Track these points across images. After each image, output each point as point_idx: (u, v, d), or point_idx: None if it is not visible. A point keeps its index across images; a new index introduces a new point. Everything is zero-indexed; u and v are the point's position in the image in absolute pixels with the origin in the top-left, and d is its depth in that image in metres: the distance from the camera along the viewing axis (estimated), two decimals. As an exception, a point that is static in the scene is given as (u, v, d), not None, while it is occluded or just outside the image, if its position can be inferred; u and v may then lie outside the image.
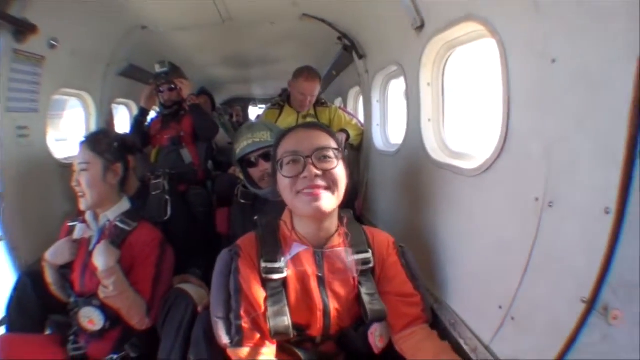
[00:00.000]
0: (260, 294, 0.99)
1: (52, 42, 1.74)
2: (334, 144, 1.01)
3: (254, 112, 7.53)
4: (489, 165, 0.98)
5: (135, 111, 3.25)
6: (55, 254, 1.34)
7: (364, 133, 2.45)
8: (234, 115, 5.40)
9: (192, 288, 1.36)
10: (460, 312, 1.13)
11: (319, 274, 1.01)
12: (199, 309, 1.26)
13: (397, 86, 2.33)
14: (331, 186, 0.96)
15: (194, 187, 2.16)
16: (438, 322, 1.14)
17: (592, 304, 0.70)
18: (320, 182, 0.94)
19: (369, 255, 1.05)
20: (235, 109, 5.96)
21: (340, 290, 1.03)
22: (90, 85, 2.36)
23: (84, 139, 1.41)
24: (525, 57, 0.85)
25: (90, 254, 1.31)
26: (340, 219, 1.07)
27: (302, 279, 1.01)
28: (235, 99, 6.55)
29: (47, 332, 1.48)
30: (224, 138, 3.25)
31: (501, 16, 0.92)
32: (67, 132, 2.70)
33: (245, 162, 1.51)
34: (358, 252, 1.04)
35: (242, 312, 0.97)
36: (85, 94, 2.35)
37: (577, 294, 0.71)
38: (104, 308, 1.27)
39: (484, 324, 1.00)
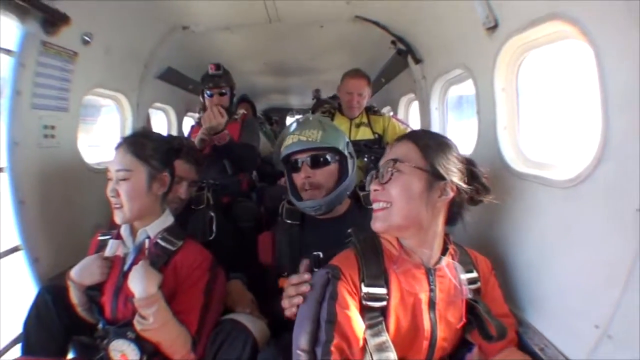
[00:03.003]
0: (359, 326, 0.86)
1: (85, 37, 1.62)
2: (398, 155, 0.94)
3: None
4: (587, 175, 0.92)
5: (173, 117, 3.19)
6: (83, 273, 1.15)
7: None
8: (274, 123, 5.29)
9: (248, 320, 1.14)
10: (551, 335, 1.04)
11: (432, 295, 0.93)
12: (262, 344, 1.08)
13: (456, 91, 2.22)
14: (391, 201, 0.90)
15: (240, 199, 1.97)
16: (523, 346, 1.04)
17: None
18: (379, 197, 0.92)
19: (476, 275, 1.00)
20: (273, 119, 5.84)
21: (450, 315, 0.95)
22: (127, 87, 2.25)
23: (122, 140, 1.19)
24: (622, 58, 0.80)
25: (125, 275, 1.13)
26: (447, 236, 0.99)
27: (411, 303, 0.92)
28: (273, 109, 6.52)
29: (70, 356, 1.28)
30: (267, 147, 3.11)
31: (593, 15, 0.87)
32: (100, 138, 2.62)
33: (290, 165, 1.28)
34: (467, 272, 0.98)
35: (332, 347, 0.82)
36: (121, 95, 2.25)
37: None
38: (140, 340, 1.06)
39: (576, 345, 0.94)
